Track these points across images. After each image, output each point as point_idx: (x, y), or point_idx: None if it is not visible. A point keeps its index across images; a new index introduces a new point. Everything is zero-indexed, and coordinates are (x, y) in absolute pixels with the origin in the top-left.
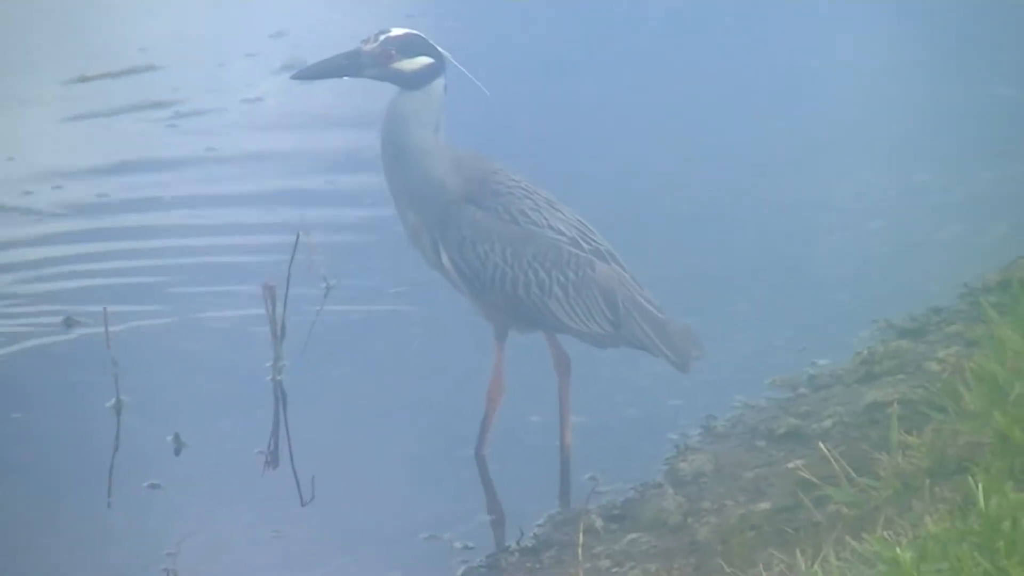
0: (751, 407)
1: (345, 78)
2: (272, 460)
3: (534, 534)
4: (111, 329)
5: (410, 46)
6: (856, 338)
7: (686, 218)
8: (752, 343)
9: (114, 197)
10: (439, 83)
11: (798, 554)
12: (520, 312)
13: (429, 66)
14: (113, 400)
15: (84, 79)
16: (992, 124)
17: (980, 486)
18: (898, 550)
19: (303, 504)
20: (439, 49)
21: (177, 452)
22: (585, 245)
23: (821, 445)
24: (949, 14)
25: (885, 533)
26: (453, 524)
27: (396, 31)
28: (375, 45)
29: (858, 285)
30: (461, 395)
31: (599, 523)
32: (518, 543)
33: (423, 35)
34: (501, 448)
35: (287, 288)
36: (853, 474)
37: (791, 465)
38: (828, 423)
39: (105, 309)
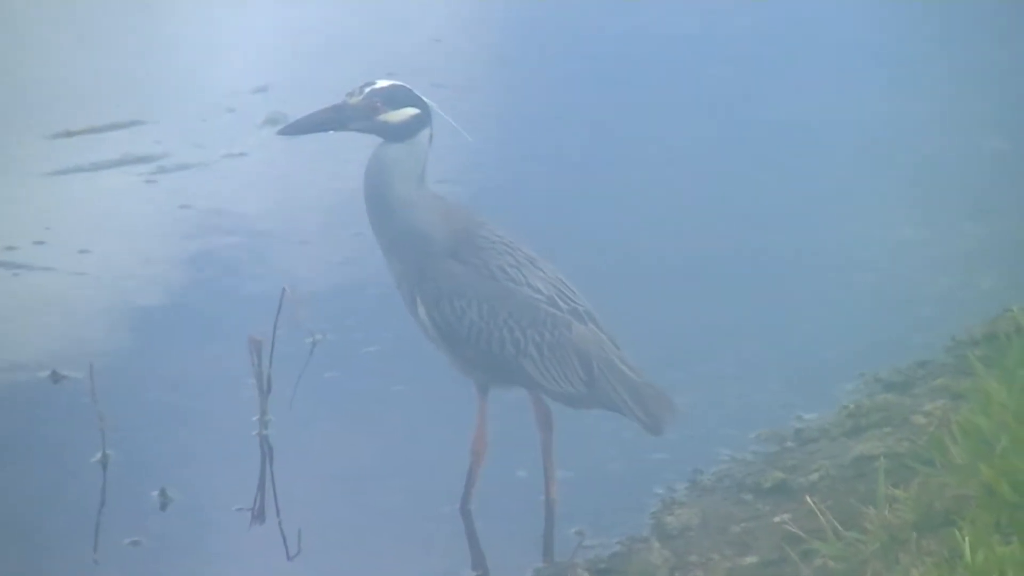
0: (738, 461)
1: (331, 132)
2: (258, 515)
3: None
4: (97, 383)
5: (395, 98)
6: (842, 391)
7: (672, 271)
8: (738, 396)
9: (97, 251)
10: (425, 134)
11: None
12: (494, 368)
13: (415, 117)
14: (99, 454)
15: (69, 134)
16: (979, 177)
17: (967, 539)
18: None
19: (289, 558)
20: (424, 99)
21: (163, 507)
22: (563, 305)
23: (808, 499)
24: (936, 67)
25: None
26: None
27: (381, 83)
28: (360, 98)
29: (844, 338)
30: (447, 449)
31: None
32: None
33: (407, 86)
34: (487, 502)
35: (272, 342)
36: (840, 528)
37: (778, 519)
38: (815, 476)
39: (91, 364)
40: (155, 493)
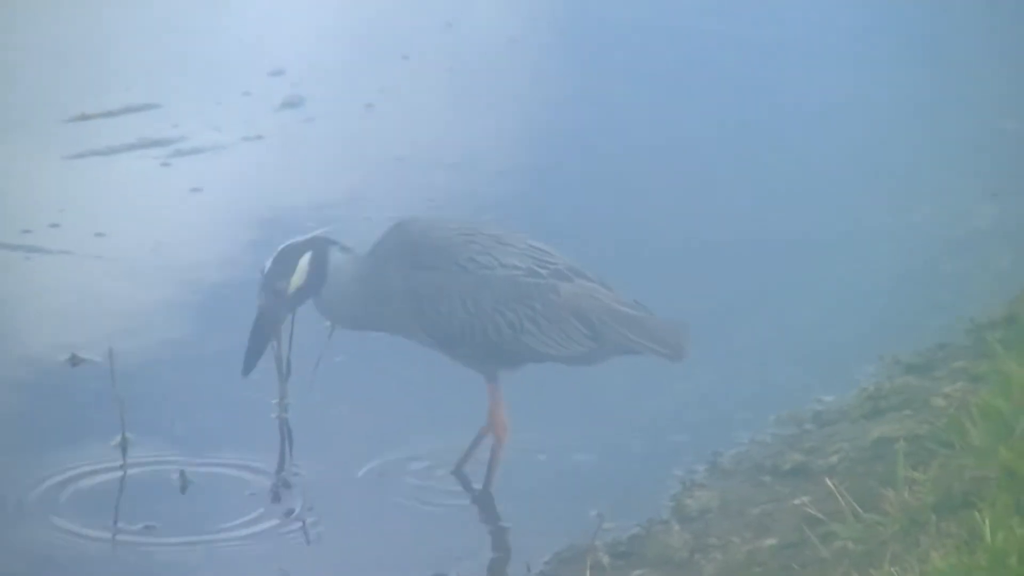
0: (757, 443)
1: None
2: (276, 497)
3: (540, 571)
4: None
5: (283, 265)
6: (861, 373)
7: (688, 253)
8: (757, 379)
9: (113, 235)
10: (334, 257)
11: None
12: (499, 354)
13: (312, 261)
14: (119, 437)
15: (84, 117)
16: (995, 158)
17: (986, 521)
18: None
19: (308, 542)
20: (301, 238)
21: (183, 489)
22: (543, 271)
23: (827, 481)
24: (951, 48)
25: (892, 569)
26: (459, 561)
27: (266, 262)
28: (265, 294)
29: (863, 320)
30: (468, 431)
31: (606, 560)
32: None
33: (282, 245)
34: (506, 485)
35: (292, 325)
36: (859, 510)
37: (797, 501)
38: (834, 459)
39: (110, 348)
40: (174, 475)
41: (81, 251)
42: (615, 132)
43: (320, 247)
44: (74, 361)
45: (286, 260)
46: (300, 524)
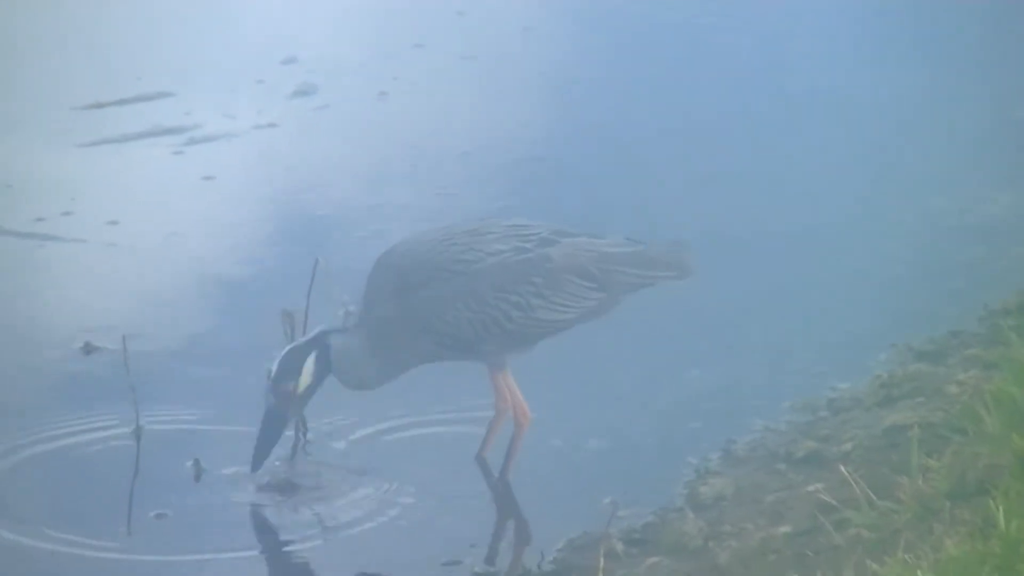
0: (771, 431)
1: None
2: (286, 489)
3: (554, 558)
4: (129, 354)
5: (290, 368)
6: (875, 361)
7: (703, 242)
8: (771, 367)
9: (126, 223)
10: (335, 344)
11: None
12: (514, 341)
13: (316, 360)
14: (133, 427)
15: (98, 105)
16: (1009, 147)
17: (1000, 508)
18: (919, 573)
19: (323, 530)
20: (306, 339)
21: (197, 478)
22: (528, 244)
23: (841, 468)
24: (966, 38)
25: (905, 556)
26: (473, 549)
27: (272, 366)
28: (275, 396)
29: (876, 308)
30: (481, 419)
31: (620, 547)
32: (539, 567)
33: (286, 349)
34: (520, 472)
35: (306, 315)
36: (873, 497)
37: (811, 488)
38: (848, 446)
39: (124, 336)
40: (189, 464)
41: (94, 239)
42: (629, 120)
43: (322, 345)
44: (87, 349)
45: (292, 363)
46: (314, 514)
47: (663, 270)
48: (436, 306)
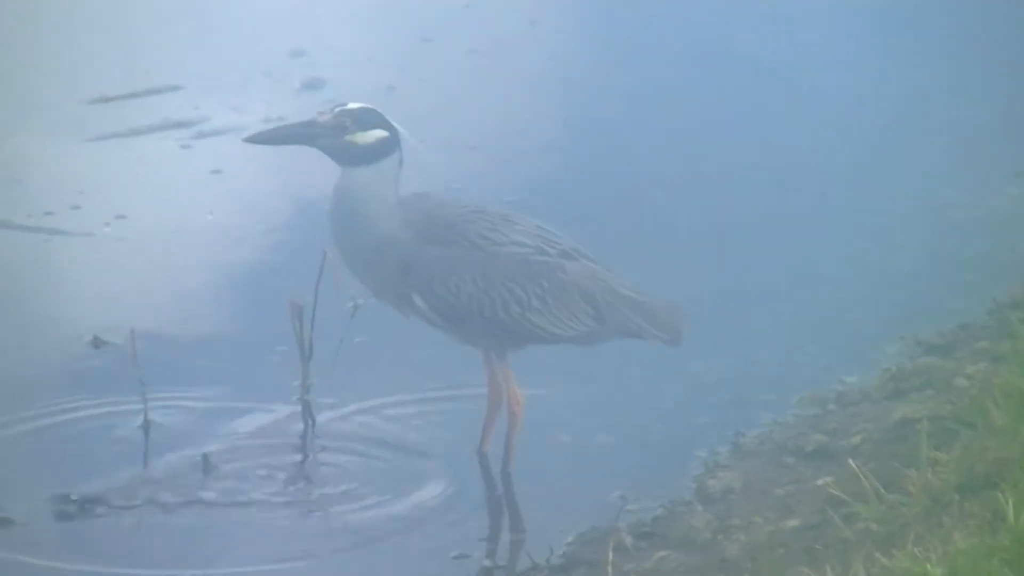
0: (779, 424)
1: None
2: (299, 478)
3: (563, 552)
4: (138, 348)
5: (365, 119)
6: (883, 354)
7: (711, 235)
8: (779, 360)
9: (134, 217)
10: (394, 158)
11: (827, 571)
12: (505, 333)
13: (383, 140)
14: (141, 420)
15: (106, 99)
16: (1016, 140)
17: (1009, 502)
18: (928, 566)
19: (328, 520)
20: (394, 124)
21: (206, 471)
22: (551, 250)
23: (850, 462)
24: (972, 33)
25: (914, 550)
26: (481, 543)
27: (352, 105)
28: (330, 116)
29: (885, 301)
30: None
31: (629, 541)
32: (547, 561)
33: (378, 110)
34: (528, 466)
35: (314, 307)
36: (882, 491)
37: (820, 482)
38: (857, 440)
39: (132, 330)
40: (197, 456)
41: (102, 233)
42: (636, 114)
43: (397, 148)
44: (96, 343)
45: (370, 118)
46: (320, 503)
47: (658, 329)
48: (445, 268)
